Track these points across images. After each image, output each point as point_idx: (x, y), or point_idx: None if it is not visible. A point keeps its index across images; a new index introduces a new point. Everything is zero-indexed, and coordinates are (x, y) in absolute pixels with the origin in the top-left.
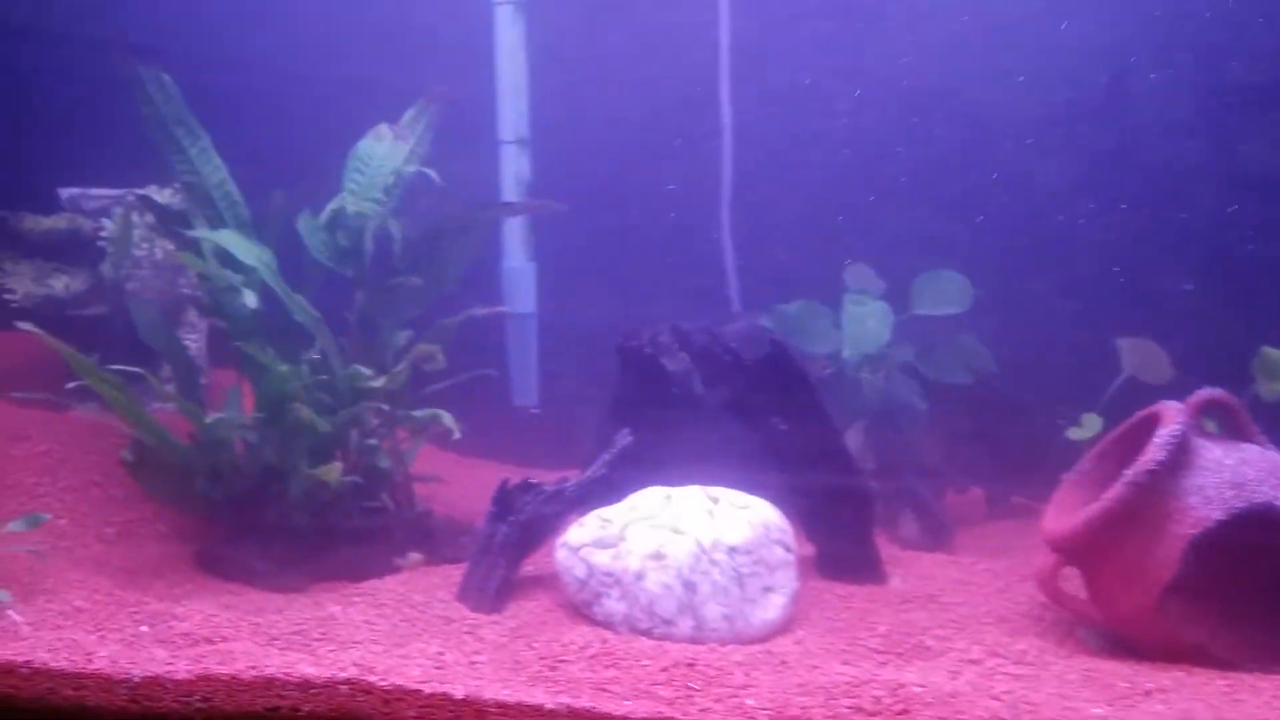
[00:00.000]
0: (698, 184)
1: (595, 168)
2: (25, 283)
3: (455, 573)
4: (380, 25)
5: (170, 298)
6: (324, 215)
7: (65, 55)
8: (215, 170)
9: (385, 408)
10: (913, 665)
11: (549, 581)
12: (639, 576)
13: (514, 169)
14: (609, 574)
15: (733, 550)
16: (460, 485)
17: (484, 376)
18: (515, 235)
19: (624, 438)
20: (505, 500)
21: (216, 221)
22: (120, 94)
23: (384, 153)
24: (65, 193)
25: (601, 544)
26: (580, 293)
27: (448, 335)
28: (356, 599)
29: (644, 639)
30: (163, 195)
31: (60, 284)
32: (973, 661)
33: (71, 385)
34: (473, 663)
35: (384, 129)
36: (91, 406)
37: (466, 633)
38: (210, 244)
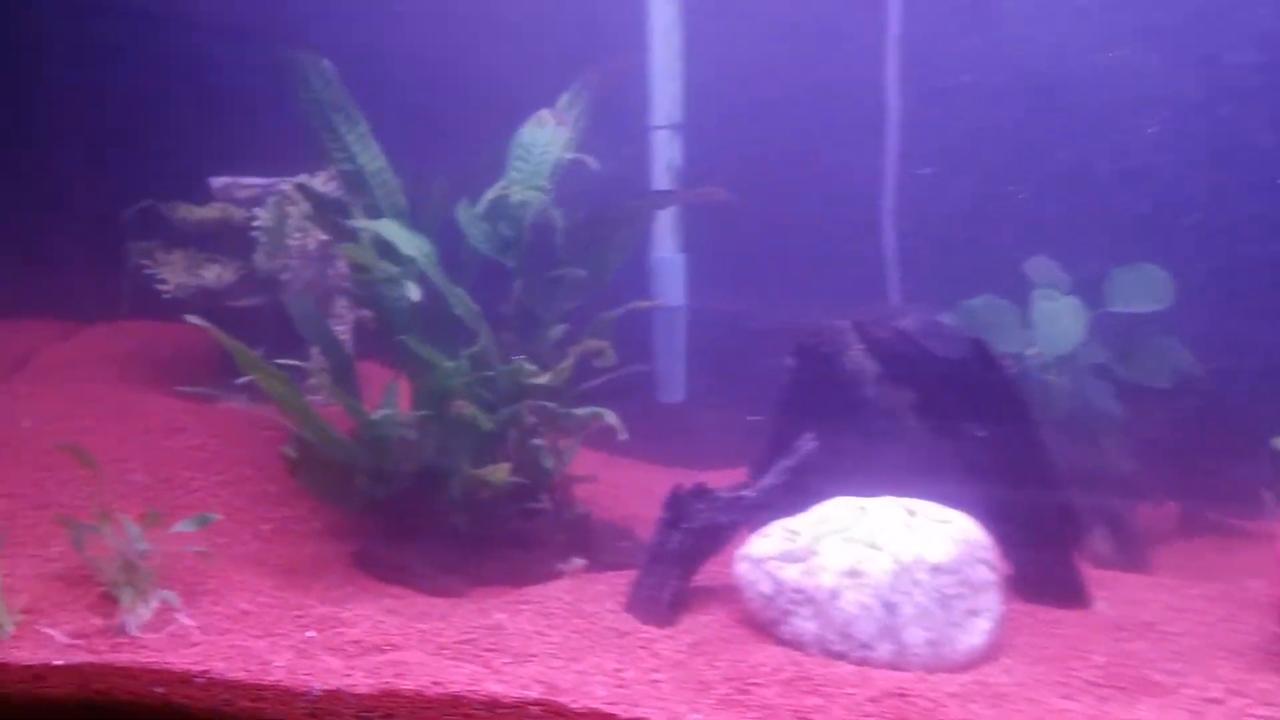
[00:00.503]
0: (856, 173)
1: (749, 155)
2: (177, 273)
3: (619, 580)
4: (533, 6)
5: (320, 288)
6: (482, 203)
7: (216, 44)
8: (373, 158)
9: (549, 405)
10: (1142, 703)
11: (724, 594)
12: (834, 595)
13: (665, 156)
14: (799, 591)
15: (935, 569)
16: (610, 485)
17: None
18: (665, 225)
19: (807, 443)
20: (678, 506)
21: (374, 210)
22: (271, 81)
23: (546, 140)
24: (217, 182)
25: (790, 558)
26: (731, 285)
27: (609, 329)
28: (523, 607)
29: (841, 663)
30: (315, 184)
31: (212, 274)
32: (1213, 701)
33: (241, 380)
34: (653, 681)
35: (545, 115)
36: (241, 398)
37: (641, 647)
38: (368, 233)
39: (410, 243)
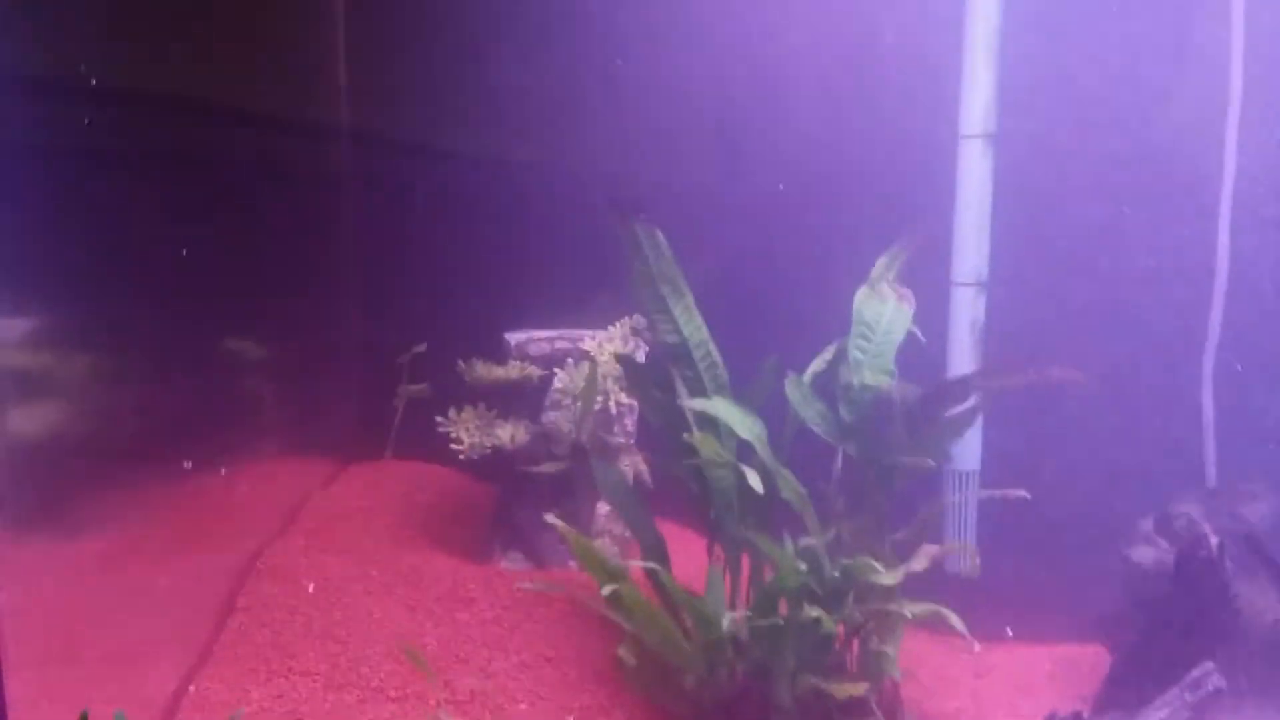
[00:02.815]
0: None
1: (1053, 314)
2: (471, 431)
3: None
4: (845, 171)
5: (610, 449)
6: (807, 376)
7: (519, 186)
8: (697, 330)
9: (891, 609)
10: None
11: None
12: None
13: (969, 314)
14: None
15: None
16: (914, 665)
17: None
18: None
19: (1209, 676)
20: None
21: (695, 383)
22: (565, 228)
23: (889, 317)
24: (513, 338)
25: None
26: (1028, 449)
27: (936, 521)
28: None
29: None
30: (604, 346)
31: (506, 434)
32: None
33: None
34: None
35: (885, 288)
36: (517, 557)
37: None
38: (695, 410)
39: (744, 424)
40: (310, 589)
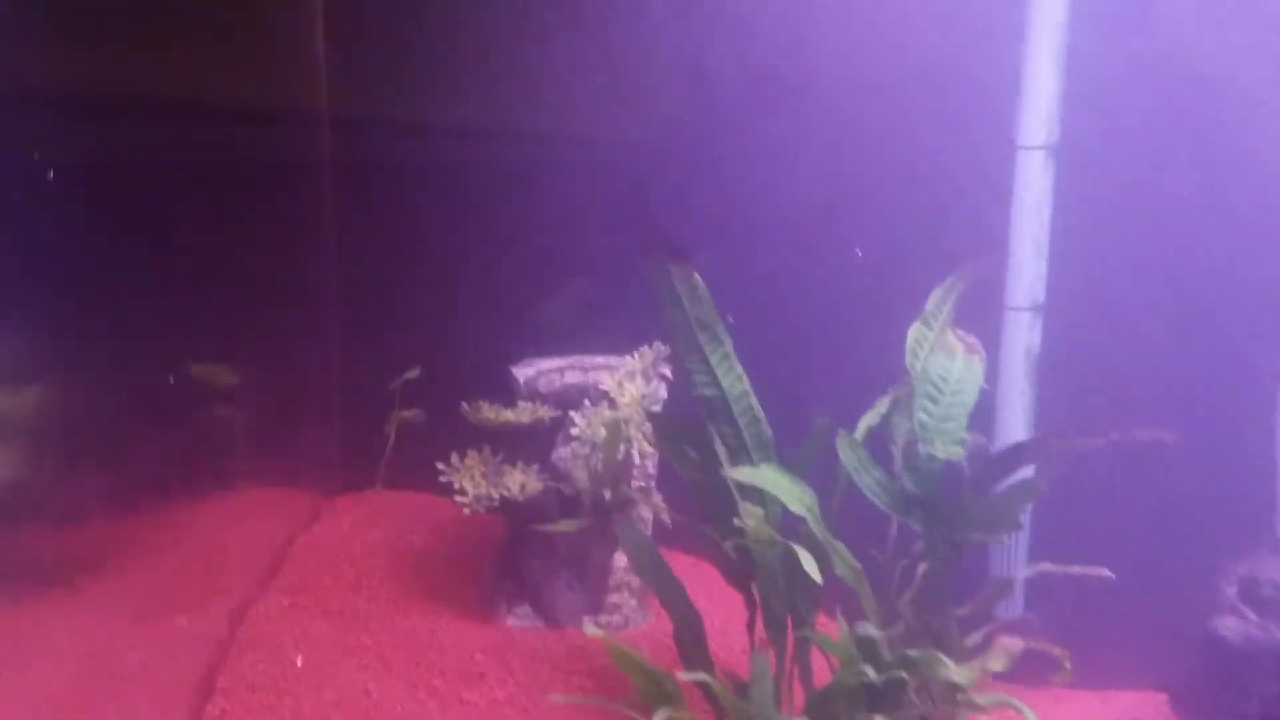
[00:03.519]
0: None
1: (1115, 342)
2: (476, 480)
3: None
4: (896, 201)
5: (624, 500)
6: (860, 432)
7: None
8: (736, 381)
9: (960, 700)
10: None
11: None
12: None
13: (1023, 342)
14: None
15: None
16: None
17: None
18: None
19: None
20: None
21: (734, 441)
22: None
23: (958, 374)
24: (521, 374)
25: None
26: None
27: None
28: None
29: None
30: (625, 386)
31: (515, 484)
32: None
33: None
34: None
35: (952, 340)
36: (525, 611)
37: None
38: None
39: (795, 495)
40: (299, 663)
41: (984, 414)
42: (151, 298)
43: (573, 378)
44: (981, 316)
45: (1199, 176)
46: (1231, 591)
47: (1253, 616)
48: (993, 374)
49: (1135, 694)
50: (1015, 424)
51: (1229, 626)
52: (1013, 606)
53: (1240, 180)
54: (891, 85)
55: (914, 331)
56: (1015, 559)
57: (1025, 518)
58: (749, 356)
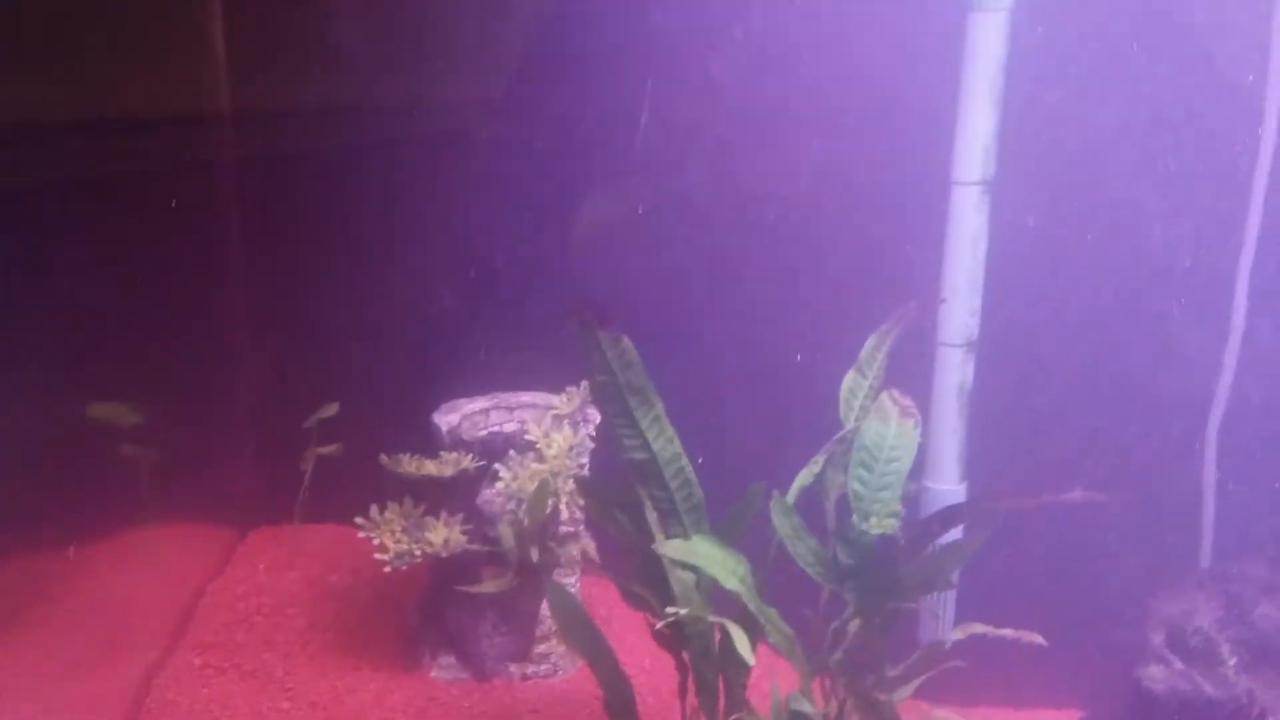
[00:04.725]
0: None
1: (1044, 377)
2: (397, 535)
3: None
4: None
5: (557, 559)
6: (792, 494)
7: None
8: (667, 444)
9: None
10: None
11: None
12: None
13: (956, 378)
14: None
15: None
16: None
17: None
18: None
19: None
20: None
21: (666, 504)
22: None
23: (894, 440)
24: (443, 421)
25: None
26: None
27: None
28: None
29: None
30: (553, 437)
31: (439, 538)
32: None
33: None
34: None
35: (888, 403)
36: (449, 662)
37: None
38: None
39: (728, 568)
40: None
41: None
42: (44, 332)
43: (498, 419)
44: (914, 353)
45: (1133, 211)
46: (1158, 639)
47: (1179, 666)
48: (925, 411)
49: (1064, 713)
50: (947, 461)
51: (1154, 677)
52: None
53: (1173, 217)
54: (824, 122)
55: (848, 381)
56: (945, 609)
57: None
58: (679, 412)
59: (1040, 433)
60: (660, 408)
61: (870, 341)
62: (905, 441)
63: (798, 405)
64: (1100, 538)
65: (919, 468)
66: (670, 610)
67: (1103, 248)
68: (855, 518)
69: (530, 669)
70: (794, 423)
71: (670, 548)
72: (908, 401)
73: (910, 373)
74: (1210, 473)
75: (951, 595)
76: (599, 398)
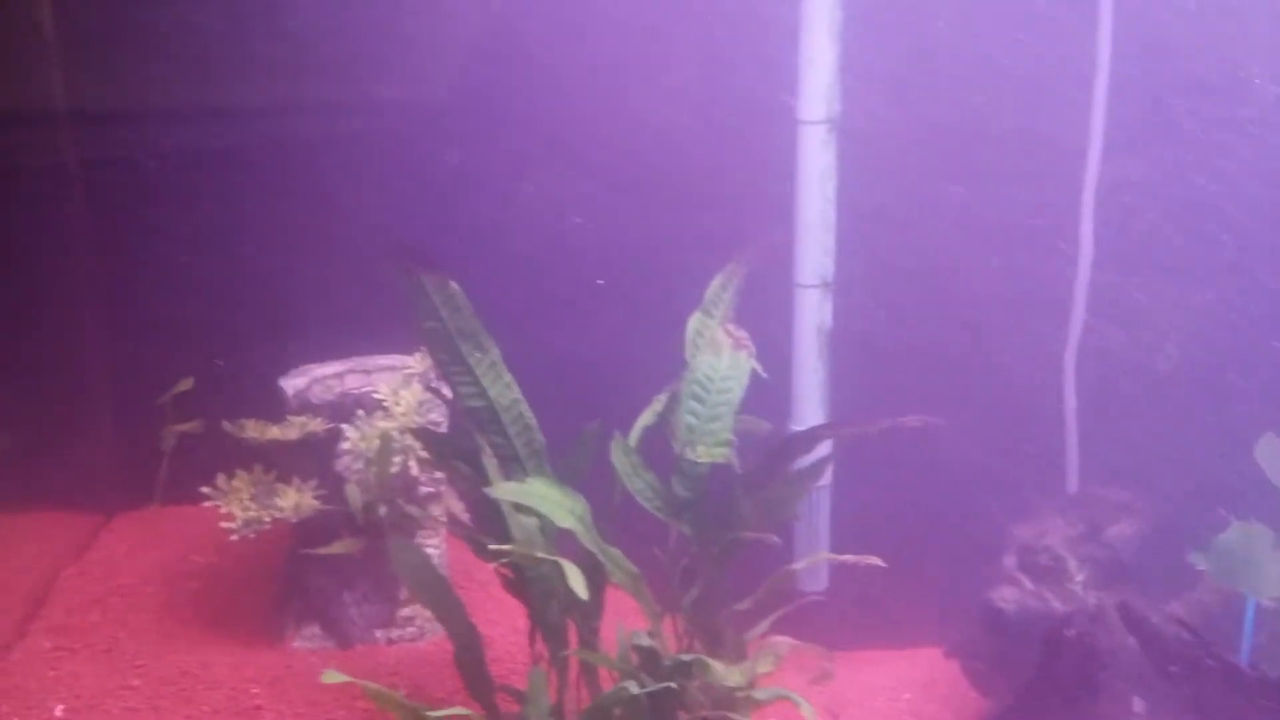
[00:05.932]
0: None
1: (903, 319)
2: (245, 503)
3: None
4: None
5: (410, 520)
6: (635, 435)
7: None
8: (505, 389)
9: (739, 696)
10: None
11: None
12: None
13: (815, 318)
14: None
15: None
16: None
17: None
18: (810, 386)
19: None
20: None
21: (506, 451)
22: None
23: (725, 370)
24: (290, 385)
25: None
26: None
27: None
28: None
29: None
30: (401, 395)
31: (289, 503)
32: None
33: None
34: None
35: (721, 336)
36: (313, 631)
37: None
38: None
39: (565, 508)
40: (59, 712)
41: (780, 392)
42: None
43: (353, 382)
44: (772, 294)
45: (981, 149)
46: (1011, 562)
47: (1029, 585)
48: (786, 352)
49: (938, 650)
50: (811, 401)
51: (1005, 598)
52: (818, 580)
53: (1024, 153)
54: (667, 64)
55: (694, 322)
56: (819, 542)
57: (825, 501)
58: (521, 361)
59: (903, 370)
60: (496, 353)
61: (716, 281)
62: (737, 372)
63: (653, 350)
64: (969, 473)
65: (784, 410)
66: (494, 548)
67: (955, 186)
68: (686, 449)
69: (395, 633)
70: (649, 367)
71: (505, 490)
72: (742, 334)
73: (771, 315)
74: (1070, 402)
75: (825, 536)
76: (430, 346)
